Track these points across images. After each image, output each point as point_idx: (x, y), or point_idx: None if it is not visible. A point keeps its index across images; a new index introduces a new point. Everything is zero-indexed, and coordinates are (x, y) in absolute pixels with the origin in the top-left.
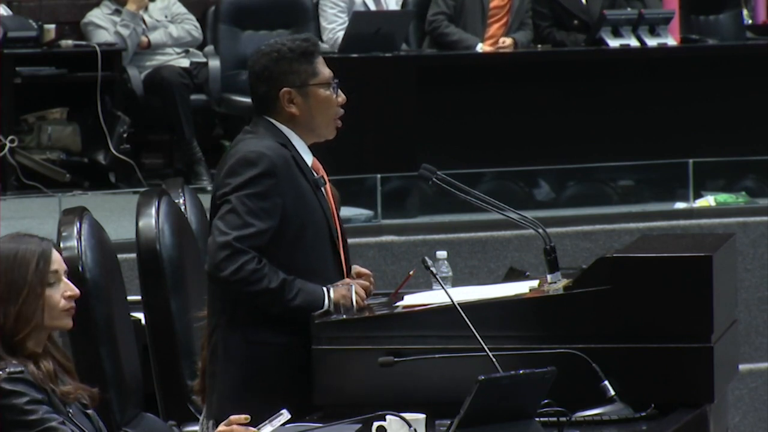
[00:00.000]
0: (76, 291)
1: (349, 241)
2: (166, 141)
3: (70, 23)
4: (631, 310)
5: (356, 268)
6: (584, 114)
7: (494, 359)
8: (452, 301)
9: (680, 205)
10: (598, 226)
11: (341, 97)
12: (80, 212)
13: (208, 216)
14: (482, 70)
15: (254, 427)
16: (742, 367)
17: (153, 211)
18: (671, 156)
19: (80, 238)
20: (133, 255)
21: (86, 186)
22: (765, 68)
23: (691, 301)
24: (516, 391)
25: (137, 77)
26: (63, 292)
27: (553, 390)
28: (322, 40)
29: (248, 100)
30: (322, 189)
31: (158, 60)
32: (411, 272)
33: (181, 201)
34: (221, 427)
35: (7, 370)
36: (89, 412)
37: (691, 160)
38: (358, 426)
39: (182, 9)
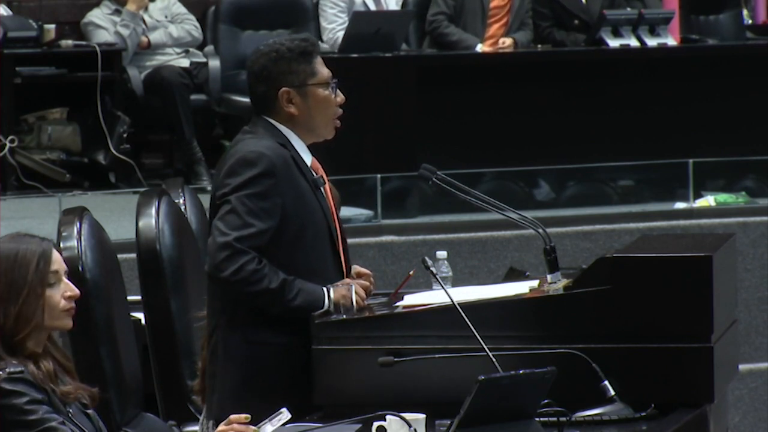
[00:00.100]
0: (76, 291)
1: (349, 241)
2: (166, 141)
3: (70, 23)
4: (631, 310)
5: (356, 268)
6: (584, 114)
7: (494, 359)
8: (452, 301)
9: (680, 205)
10: (598, 226)
11: (340, 97)
12: (80, 212)
13: (208, 216)
14: (482, 70)
15: (254, 426)
16: (742, 367)
17: (153, 211)
18: (671, 156)
19: (80, 238)
20: (133, 255)
21: (86, 186)
22: (765, 68)
23: (691, 301)
24: (516, 391)
25: (137, 77)
26: (63, 292)
27: (553, 390)
28: (322, 40)
29: (248, 100)
30: (322, 189)
31: (158, 60)
32: (411, 272)
33: (181, 201)
34: (221, 426)
35: (7, 370)
36: (89, 412)
37: (691, 160)
38: (358, 426)
39: (182, 9)
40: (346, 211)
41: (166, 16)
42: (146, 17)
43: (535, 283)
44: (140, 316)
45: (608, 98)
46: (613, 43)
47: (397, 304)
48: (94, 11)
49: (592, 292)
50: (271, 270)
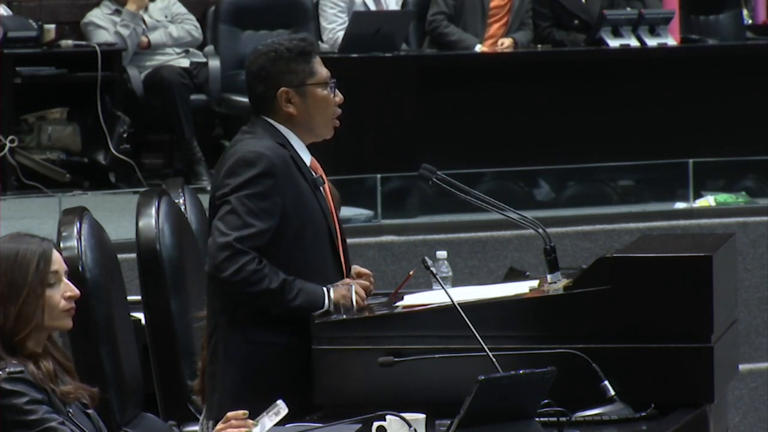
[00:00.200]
0: (76, 291)
1: (349, 241)
2: (166, 141)
3: (70, 23)
4: (631, 310)
5: (356, 268)
6: (584, 114)
7: (494, 359)
8: (452, 301)
9: (680, 205)
10: (598, 226)
11: (339, 97)
12: (80, 212)
13: (207, 216)
14: (482, 70)
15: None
16: (742, 367)
17: (153, 211)
18: (671, 156)
19: (80, 238)
20: (133, 255)
21: (86, 186)
22: (765, 68)
23: (691, 301)
24: (516, 391)
25: (137, 77)
26: (63, 292)
27: (553, 390)
28: (322, 40)
29: (248, 100)
30: (321, 189)
31: (158, 60)
32: (411, 272)
33: (181, 201)
34: (219, 425)
35: (7, 370)
36: (89, 411)
37: (691, 160)
38: (358, 426)
39: (182, 9)
40: (346, 211)
41: (166, 16)
42: (146, 17)
43: (535, 283)
44: (140, 316)
45: (608, 98)
46: (613, 43)
47: (397, 304)
48: (94, 11)
49: (592, 292)
50: (271, 270)
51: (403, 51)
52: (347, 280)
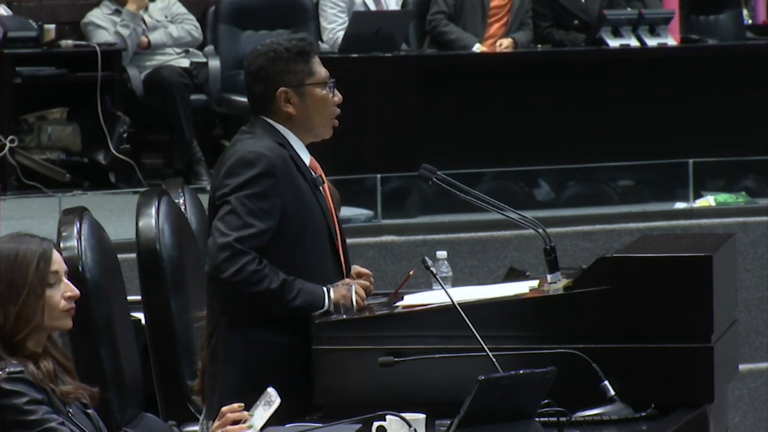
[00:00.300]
0: (76, 292)
1: (349, 241)
2: (166, 141)
3: (70, 23)
4: (631, 310)
5: (356, 268)
6: (584, 114)
7: (494, 359)
8: (452, 301)
9: (680, 205)
10: (598, 226)
11: (338, 97)
12: (80, 212)
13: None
14: (482, 70)
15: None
16: (742, 367)
17: (153, 211)
18: (671, 156)
19: (80, 238)
20: (133, 255)
21: (86, 186)
22: (765, 68)
23: (691, 301)
24: (516, 391)
25: (137, 77)
26: (63, 292)
27: (553, 390)
28: (322, 40)
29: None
30: (321, 188)
31: (158, 60)
32: (411, 272)
33: (181, 201)
34: (216, 423)
35: (7, 370)
36: (89, 411)
37: (691, 160)
38: (358, 426)
39: (182, 9)
40: (346, 211)
41: (166, 16)
42: (146, 17)
43: (535, 283)
44: (140, 316)
45: (608, 98)
46: (613, 43)
47: (397, 304)
48: (94, 11)
49: (592, 292)
50: (271, 270)
51: (403, 51)
52: (347, 280)
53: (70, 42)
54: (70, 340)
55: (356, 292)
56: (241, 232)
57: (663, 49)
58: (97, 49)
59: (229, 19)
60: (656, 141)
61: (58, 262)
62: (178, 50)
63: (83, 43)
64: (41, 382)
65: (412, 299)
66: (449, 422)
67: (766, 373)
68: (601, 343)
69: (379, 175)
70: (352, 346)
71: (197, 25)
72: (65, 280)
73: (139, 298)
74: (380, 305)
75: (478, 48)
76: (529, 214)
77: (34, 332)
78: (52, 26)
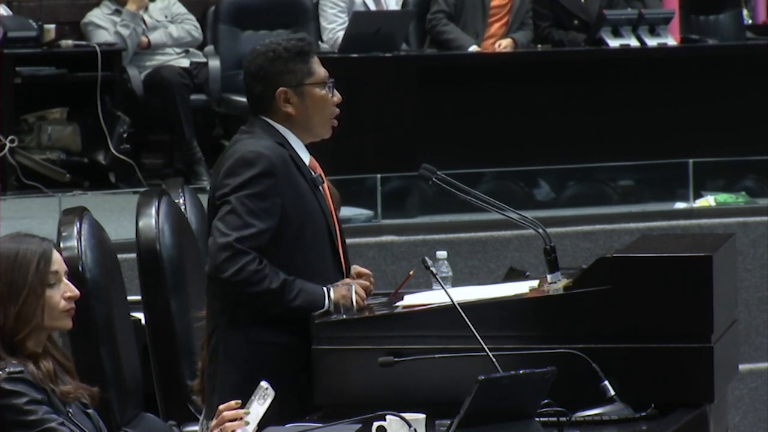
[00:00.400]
0: (76, 292)
1: (349, 241)
2: (166, 141)
3: (70, 23)
4: (631, 310)
5: (356, 268)
6: (584, 114)
7: (494, 359)
8: (452, 301)
9: (680, 205)
10: (598, 226)
11: (337, 97)
12: (80, 212)
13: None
14: (482, 70)
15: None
16: (742, 367)
17: (153, 211)
18: (671, 156)
19: (80, 238)
20: (133, 255)
21: (86, 186)
22: (765, 68)
23: (691, 301)
24: (516, 391)
25: (137, 77)
26: (63, 292)
27: (553, 390)
28: (322, 40)
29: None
30: (320, 188)
31: (158, 60)
32: (411, 272)
33: (181, 201)
34: (213, 422)
35: (7, 370)
36: (89, 411)
37: (691, 160)
38: (358, 426)
39: (182, 9)
40: (346, 211)
41: (166, 16)
42: (146, 17)
43: (535, 283)
44: (140, 316)
45: (608, 98)
46: (613, 43)
47: (397, 304)
48: (94, 11)
49: (592, 292)
50: (271, 270)
51: (403, 51)
52: (347, 280)
53: (70, 42)
54: (70, 340)
55: (356, 292)
56: (241, 232)
57: (663, 49)
58: (97, 49)
59: (229, 19)
60: (656, 141)
61: (58, 262)
62: (178, 50)
63: (83, 43)
64: (41, 382)
65: (412, 299)
66: (449, 422)
67: (766, 373)
68: (601, 343)
69: (379, 175)
70: (352, 346)
71: (197, 25)
72: (65, 280)
73: (139, 298)
74: (380, 305)
75: (474, 50)
76: (529, 214)
77: (34, 332)
78: (52, 26)
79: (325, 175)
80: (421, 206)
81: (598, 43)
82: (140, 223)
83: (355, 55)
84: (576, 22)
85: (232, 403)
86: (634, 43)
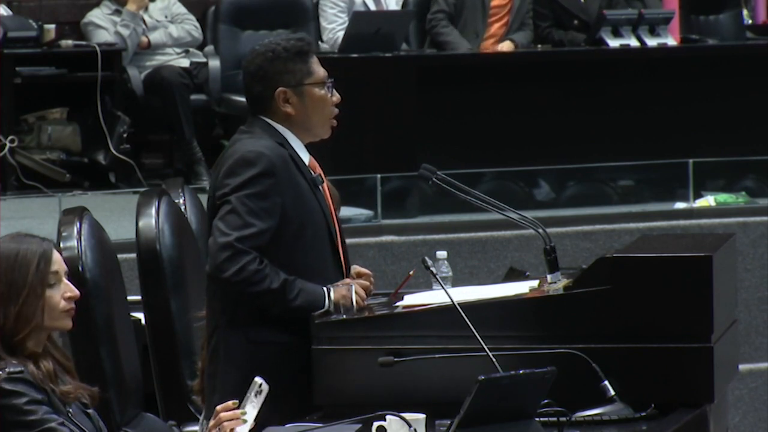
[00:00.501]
0: (76, 292)
1: (349, 241)
2: (166, 141)
3: (70, 23)
4: (631, 310)
5: (356, 268)
6: (584, 114)
7: (494, 359)
8: (452, 301)
9: (680, 205)
10: (598, 226)
11: (336, 97)
12: (80, 212)
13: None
14: (482, 70)
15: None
16: (742, 367)
17: (153, 211)
18: (671, 156)
19: (80, 238)
20: (133, 255)
21: (86, 186)
22: (765, 68)
23: (691, 301)
24: (516, 391)
25: (137, 77)
26: (63, 293)
27: (553, 390)
28: (322, 40)
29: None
30: (320, 187)
31: (158, 60)
32: (411, 272)
33: (181, 201)
34: (211, 422)
35: (7, 370)
36: (89, 411)
37: (691, 160)
38: (358, 426)
39: (182, 9)
40: (346, 211)
41: (166, 16)
42: (146, 17)
43: (535, 283)
44: (140, 316)
45: (608, 98)
46: (613, 43)
47: (397, 304)
48: (94, 11)
49: (592, 292)
50: (272, 270)
51: (403, 51)
52: (347, 280)
53: (70, 42)
54: (70, 340)
55: (356, 292)
56: (241, 232)
57: (663, 49)
58: (97, 49)
59: (229, 19)
60: (656, 141)
61: (58, 262)
62: (178, 50)
63: (83, 43)
64: (41, 382)
65: (412, 299)
66: (449, 422)
67: (766, 373)
68: (601, 343)
69: (379, 175)
70: (352, 346)
71: (197, 25)
72: (65, 280)
73: (139, 298)
74: (380, 305)
75: None
76: (529, 214)
77: (34, 332)
78: (52, 26)
79: (325, 175)
80: (421, 206)
81: (598, 43)
82: (140, 223)
83: (355, 55)
84: (576, 22)
85: (230, 403)
86: (634, 43)
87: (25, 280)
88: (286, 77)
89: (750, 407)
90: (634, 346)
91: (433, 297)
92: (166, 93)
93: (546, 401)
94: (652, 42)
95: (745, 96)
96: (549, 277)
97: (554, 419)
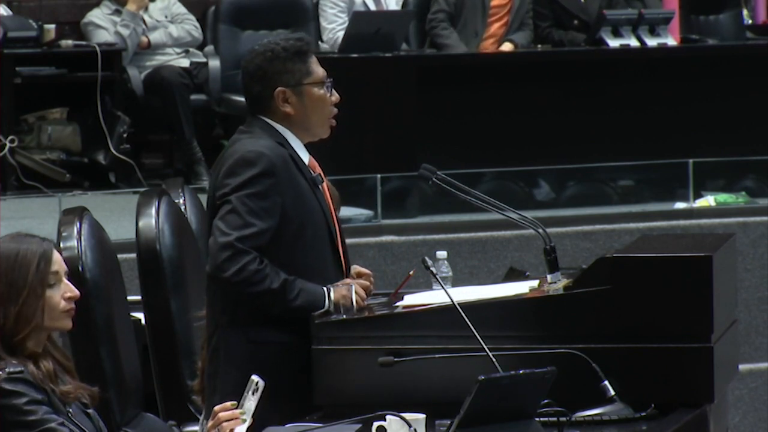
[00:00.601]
0: (76, 292)
1: (349, 241)
2: (166, 141)
3: (70, 23)
4: (631, 310)
5: (356, 268)
6: (584, 114)
7: (494, 359)
8: (452, 301)
9: (680, 205)
10: (598, 226)
11: (335, 96)
12: (80, 212)
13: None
14: (482, 70)
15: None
16: (742, 367)
17: (153, 211)
18: (671, 156)
19: (80, 238)
20: (133, 255)
21: (86, 186)
22: (765, 68)
23: (691, 301)
24: (516, 391)
25: (137, 77)
26: (63, 293)
27: (553, 390)
28: (322, 40)
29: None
30: (320, 187)
31: (158, 60)
32: (411, 272)
33: (181, 201)
34: (209, 423)
35: (7, 370)
36: (89, 411)
37: (691, 160)
38: (358, 426)
39: (182, 9)
40: (346, 211)
41: (166, 16)
42: (146, 17)
43: (535, 283)
44: (140, 316)
45: (608, 98)
46: (613, 43)
47: (397, 304)
48: (94, 11)
49: (592, 292)
50: (272, 270)
51: (403, 51)
52: (347, 280)
53: (70, 42)
54: (70, 340)
55: (356, 292)
56: (242, 232)
57: (663, 49)
58: (97, 49)
59: (229, 19)
60: (656, 141)
61: (58, 262)
62: (178, 50)
63: (83, 43)
64: (41, 382)
65: (412, 299)
66: (449, 422)
67: (766, 373)
68: (601, 343)
69: (379, 175)
70: (352, 346)
71: (197, 25)
72: (65, 280)
73: (139, 298)
74: (380, 305)
75: None
76: (529, 214)
77: (34, 332)
78: (52, 26)
79: (325, 175)
80: (421, 206)
81: (598, 43)
82: (140, 223)
83: (355, 55)
84: (576, 22)
85: (228, 404)
86: (634, 43)
87: (25, 280)
88: (285, 77)
89: (750, 407)
90: (634, 346)
91: (433, 297)
92: (166, 93)
93: (546, 401)
94: (652, 42)
95: (745, 96)
96: (549, 277)
97: (554, 419)
